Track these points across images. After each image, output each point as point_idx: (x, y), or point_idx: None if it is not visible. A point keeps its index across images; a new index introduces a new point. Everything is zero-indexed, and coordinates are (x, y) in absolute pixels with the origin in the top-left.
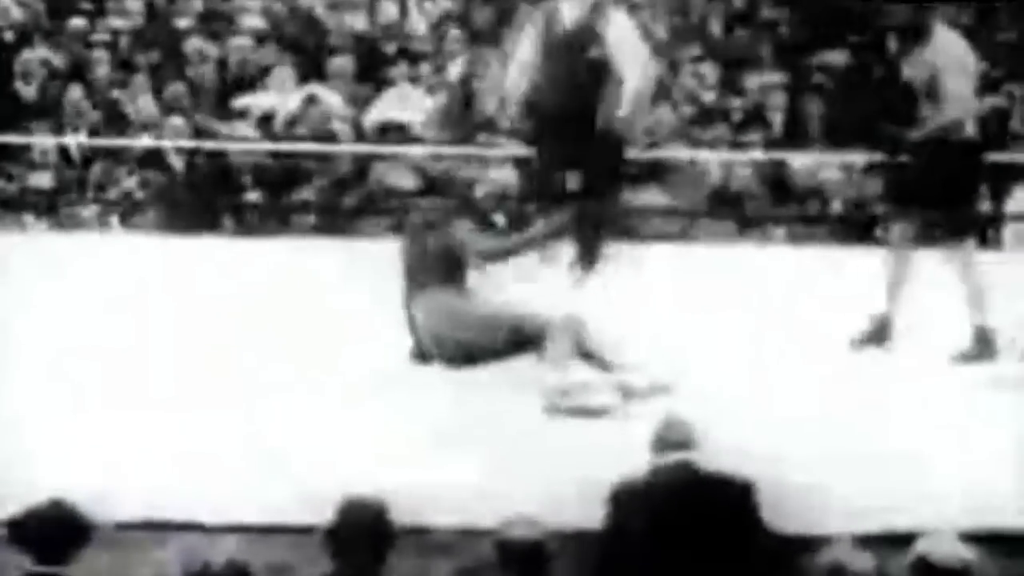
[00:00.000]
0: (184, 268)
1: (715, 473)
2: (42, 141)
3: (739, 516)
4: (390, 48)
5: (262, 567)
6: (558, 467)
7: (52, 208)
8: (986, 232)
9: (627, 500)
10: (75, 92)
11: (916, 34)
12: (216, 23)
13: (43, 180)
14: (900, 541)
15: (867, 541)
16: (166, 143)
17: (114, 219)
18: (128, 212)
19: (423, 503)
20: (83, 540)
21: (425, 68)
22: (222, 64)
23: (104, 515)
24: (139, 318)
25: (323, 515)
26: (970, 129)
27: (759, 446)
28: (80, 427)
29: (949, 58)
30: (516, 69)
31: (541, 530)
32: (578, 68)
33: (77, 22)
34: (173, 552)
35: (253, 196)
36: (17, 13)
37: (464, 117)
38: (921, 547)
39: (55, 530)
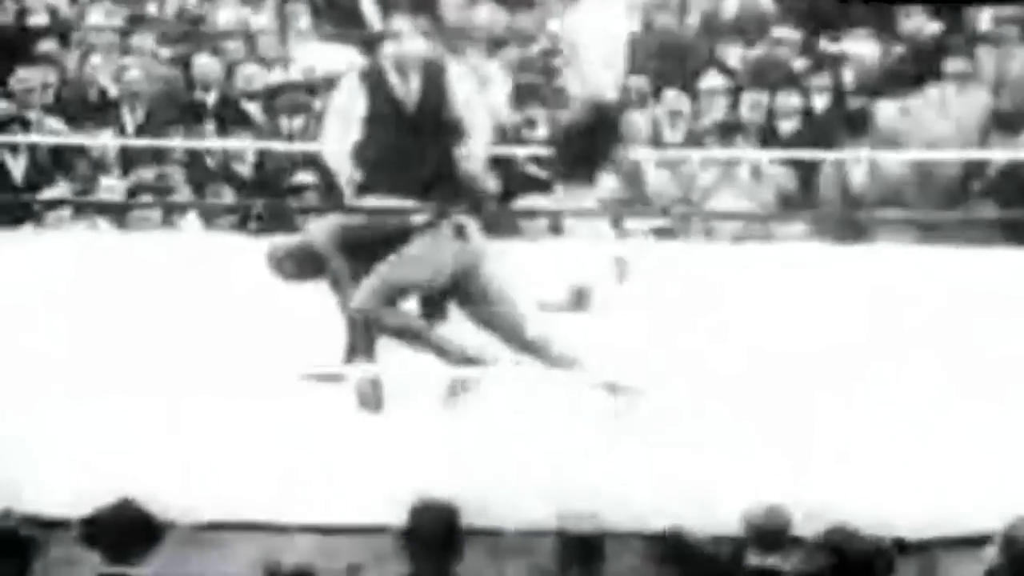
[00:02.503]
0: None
1: None
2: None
3: None
4: None
5: (336, 567)
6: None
7: (122, 209)
8: None
9: None
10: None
11: None
12: None
13: (111, 181)
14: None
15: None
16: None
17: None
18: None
19: (494, 504)
20: (154, 540)
21: None
22: None
23: (180, 515)
24: (212, 320)
25: (398, 516)
26: (611, 94)
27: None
28: (155, 426)
29: (586, 27)
30: (339, 144)
31: (600, 524)
32: (433, 136)
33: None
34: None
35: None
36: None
37: None
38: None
39: (125, 530)
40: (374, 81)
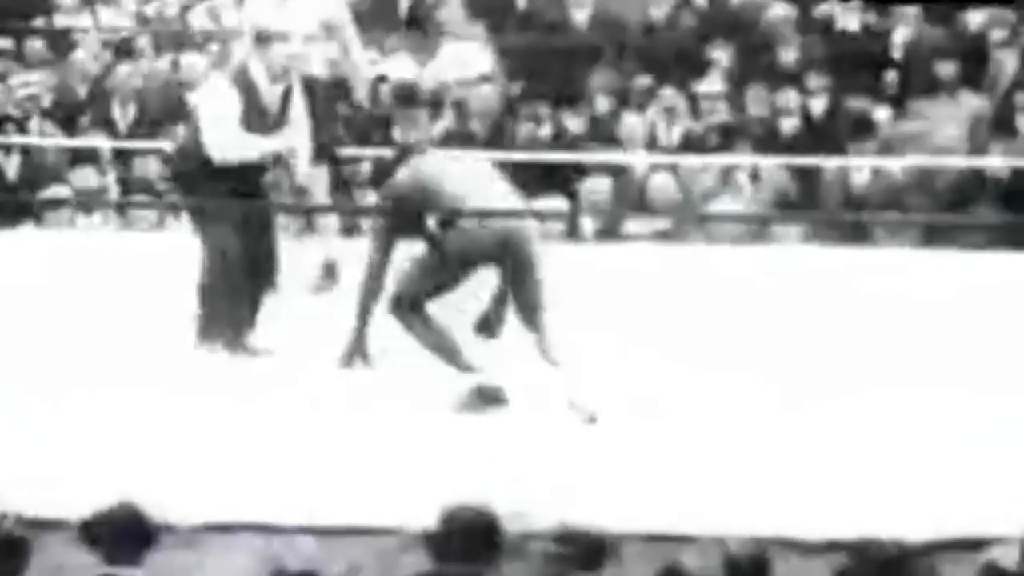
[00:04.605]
0: None
1: None
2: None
3: None
4: None
5: (336, 568)
6: None
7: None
8: None
9: None
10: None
11: None
12: None
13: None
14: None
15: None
16: None
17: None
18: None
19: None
20: (153, 541)
21: None
22: None
23: (179, 516)
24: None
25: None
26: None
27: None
28: (152, 425)
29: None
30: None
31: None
32: (275, 127)
33: None
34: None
35: None
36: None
37: None
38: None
39: (125, 531)
40: (244, 86)
